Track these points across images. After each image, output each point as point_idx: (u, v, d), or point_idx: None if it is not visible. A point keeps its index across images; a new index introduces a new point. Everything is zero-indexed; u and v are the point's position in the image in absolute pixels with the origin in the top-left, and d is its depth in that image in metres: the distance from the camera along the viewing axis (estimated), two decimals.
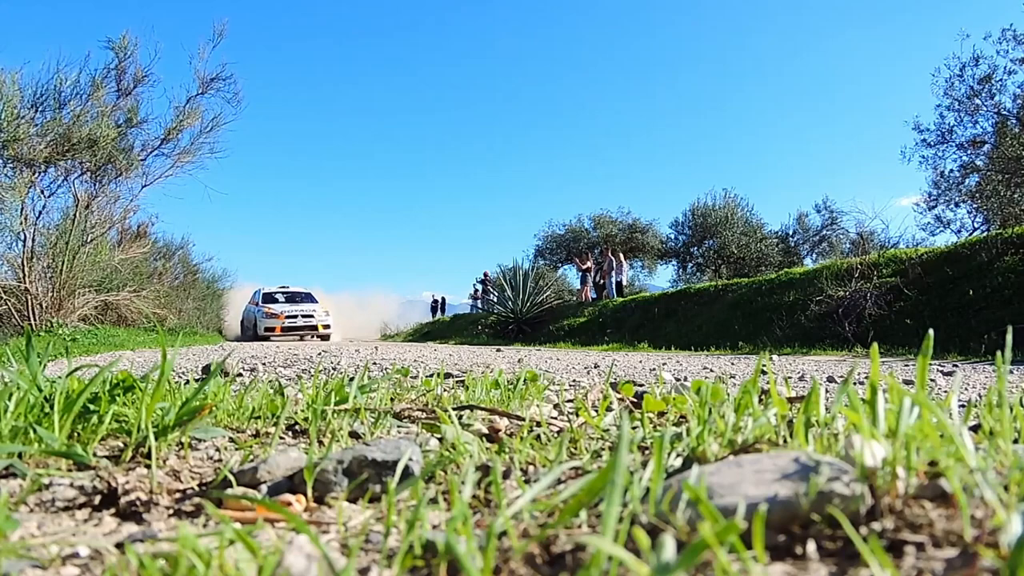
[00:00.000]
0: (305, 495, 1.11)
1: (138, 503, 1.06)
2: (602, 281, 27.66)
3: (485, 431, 1.77)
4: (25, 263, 17.77)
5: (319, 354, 10.58)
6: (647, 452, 1.36)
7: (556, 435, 1.58)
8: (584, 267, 28.85)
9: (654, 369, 7.33)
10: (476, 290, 34.12)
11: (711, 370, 7.19)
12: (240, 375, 5.67)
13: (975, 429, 1.26)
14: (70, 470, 1.23)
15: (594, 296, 27.82)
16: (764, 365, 1.36)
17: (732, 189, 36.27)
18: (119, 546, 0.88)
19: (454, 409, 1.88)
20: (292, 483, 1.16)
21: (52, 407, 1.36)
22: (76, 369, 1.60)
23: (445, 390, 2.64)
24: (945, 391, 4.55)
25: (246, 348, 14.63)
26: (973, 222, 26.66)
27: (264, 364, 7.99)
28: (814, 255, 33.84)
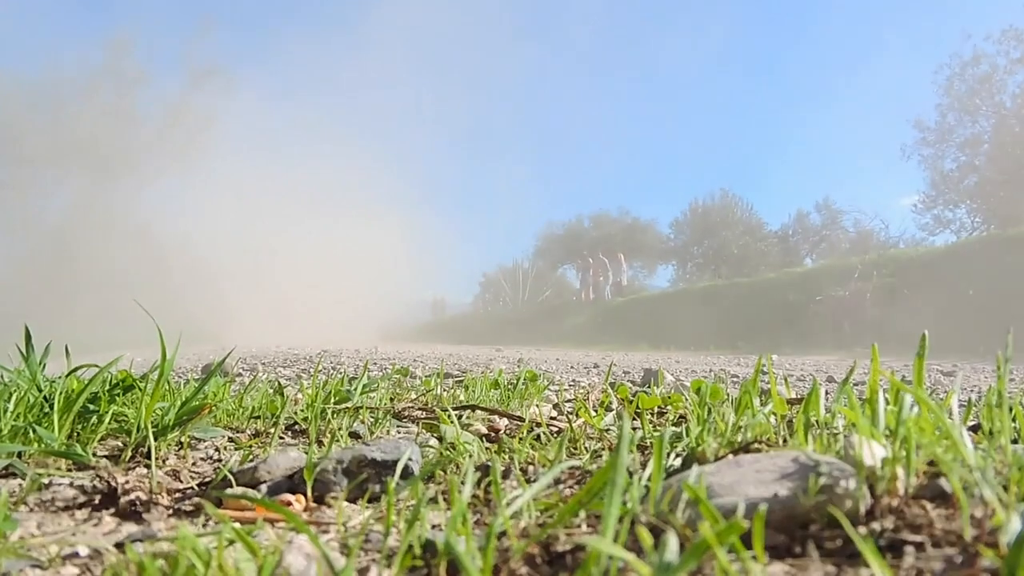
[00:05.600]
0: (305, 495, 1.11)
1: (138, 503, 1.05)
2: (601, 279, 27.67)
3: (485, 431, 1.77)
4: (25, 262, 17.82)
5: (319, 353, 10.58)
6: (647, 452, 1.36)
7: (556, 435, 1.58)
8: (584, 267, 28.84)
9: (654, 369, 7.32)
10: None
11: (711, 370, 7.19)
12: (240, 375, 5.67)
13: (975, 429, 1.26)
14: (70, 470, 1.23)
15: (594, 296, 27.81)
16: (764, 365, 1.36)
17: (731, 188, 36.34)
18: (119, 546, 0.88)
19: (454, 409, 1.88)
20: (292, 483, 1.16)
21: (52, 407, 1.36)
22: (76, 369, 1.60)
23: (445, 390, 2.64)
24: (945, 391, 4.56)
25: (246, 347, 14.64)
26: (972, 222, 26.69)
27: (263, 364, 7.98)
28: (814, 255, 33.85)
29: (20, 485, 1.16)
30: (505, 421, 1.89)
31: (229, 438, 1.64)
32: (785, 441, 1.12)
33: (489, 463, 1.21)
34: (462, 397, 2.47)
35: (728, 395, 1.83)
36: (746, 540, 0.68)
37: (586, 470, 1.21)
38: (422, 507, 0.75)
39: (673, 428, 1.32)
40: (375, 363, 7.68)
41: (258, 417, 1.90)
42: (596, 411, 1.92)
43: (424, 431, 1.76)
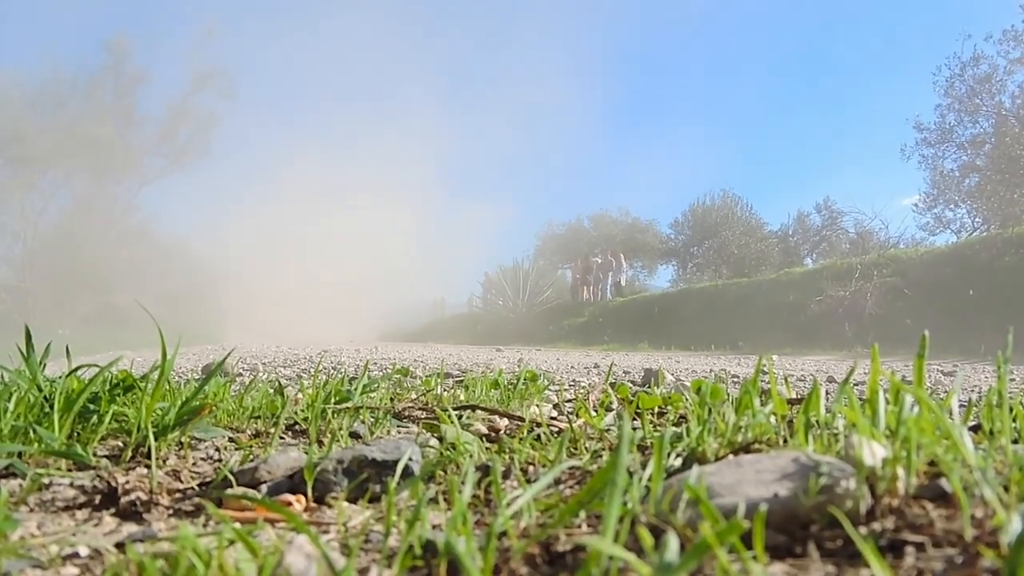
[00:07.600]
0: (305, 495, 1.11)
1: (138, 503, 1.05)
2: (600, 278, 27.63)
3: (485, 431, 1.76)
4: (25, 263, 17.82)
5: (319, 354, 10.58)
6: (647, 452, 1.36)
7: (556, 435, 1.58)
8: (582, 270, 28.71)
9: (654, 369, 7.32)
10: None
11: (711, 370, 7.19)
12: (240, 375, 5.68)
13: (975, 429, 1.26)
14: (70, 470, 1.23)
15: (585, 297, 27.78)
16: (764, 365, 1.36)
17: (731, 189, 36.35)
18: (119, 546, 0.88)
19: (454, 409, 1.88)
20: (292, 483, 1.16)
21: (52, 407, 1.36)
22: (76, 369, 1.60)
23: (445, 390, 2.64)
24: (946, 391, 4.56)
25: (246, 348, 14.65)
26: (973, 222, 26.68)
27: (264, 364, 7.99)
28: (814, 255, 33.79)
29: (20, 485, 1.16)
30: (505, 421, 1.89)
31: (229, 438, 1.64)
32: (785, 441, 1.12)
33: (489, 463, 1.21)
34: (462, 397, 2.47)
35: (728, 395, 1.82)
36: (746, 540, 0.68)
37: (586, 470, 1.21)
38: (422, 507, 0.75)
39: (673, 428, 1.32)
40: (375, 363, 7.68)
41: (258, 417, 1.90)
42: (596, 411, 1.92)
43: (424, 431, 1.76)
